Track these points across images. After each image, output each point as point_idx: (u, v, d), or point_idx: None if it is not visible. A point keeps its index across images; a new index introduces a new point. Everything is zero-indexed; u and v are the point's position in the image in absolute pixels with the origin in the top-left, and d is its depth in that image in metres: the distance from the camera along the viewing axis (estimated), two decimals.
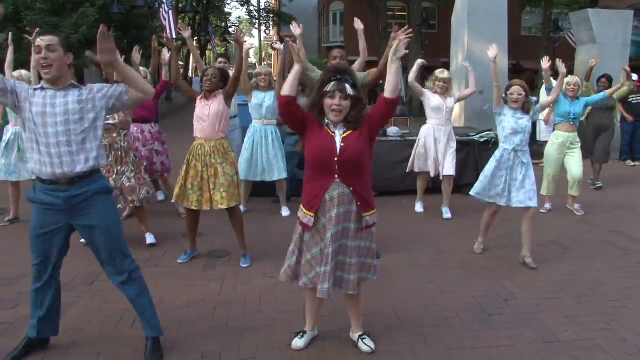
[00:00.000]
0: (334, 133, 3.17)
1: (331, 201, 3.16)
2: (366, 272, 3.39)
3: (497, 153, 5.07)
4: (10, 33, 6.29)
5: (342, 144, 3.13)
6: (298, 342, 3.54)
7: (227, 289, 4.50)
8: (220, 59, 7.31)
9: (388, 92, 3.18)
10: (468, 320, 3.92)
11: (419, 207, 6.95)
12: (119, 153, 5.28)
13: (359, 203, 3.20)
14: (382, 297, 4.30)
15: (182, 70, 30.91)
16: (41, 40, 3.07)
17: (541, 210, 6.79)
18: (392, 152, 7.59)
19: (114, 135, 5.25)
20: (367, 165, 3.26)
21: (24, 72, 6.22)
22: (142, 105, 6.38)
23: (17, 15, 13.36)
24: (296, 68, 3.19)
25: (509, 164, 4.99)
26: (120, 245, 3.36)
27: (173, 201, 5.10)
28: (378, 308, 4.10)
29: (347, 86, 3.11)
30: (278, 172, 6.55)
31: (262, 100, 6.53)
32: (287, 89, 3.13)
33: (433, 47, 26.06)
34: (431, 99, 6.63)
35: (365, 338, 3.53)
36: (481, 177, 5.11)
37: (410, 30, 3.48)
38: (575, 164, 6.79)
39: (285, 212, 6.74)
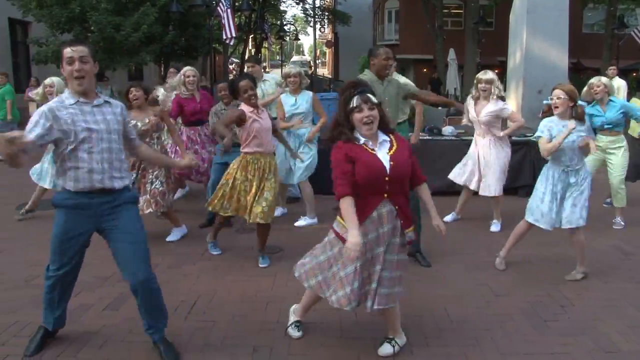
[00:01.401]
0: (374, 150, 3.15)
1: (379, 219, 3.16)
2: (398, 284, 3.34)
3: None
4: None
5: (392, 162, 3.13)
6: (295, 332, 3.66)
7: (279, 284, 4.56)
8: (248, 64, 7.14)
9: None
10: (522, 325, 3.85)
11: (448, 217, 6.51)
12: None
13: (401, 221, 3.21)
14: (434, 299, 4.26)
15: (237, 69, 31.37)
16: (72, 51, 3.04)
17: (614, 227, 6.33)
18: (447, 152, 7.48)
19: (147, 139, 5.39)
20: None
21: (55, 79, 6.32)
22: (195, 110, 6.50)
23: (83, 15, 13.85)
24: None
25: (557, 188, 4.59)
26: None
27: (209, 209, 5.05)
28: (430, 309, 4.07)
29: (371, 96, 3.14)
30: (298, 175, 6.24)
31: (295, 106, 6.14)
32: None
33: (490, 45, 25.58)
34: (469, 111, 6.11)
35: (391, 341, 3.49)
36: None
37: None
38: (611, 169, 6.16)
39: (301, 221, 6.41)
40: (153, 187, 5.39)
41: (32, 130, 2.96)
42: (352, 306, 3.21)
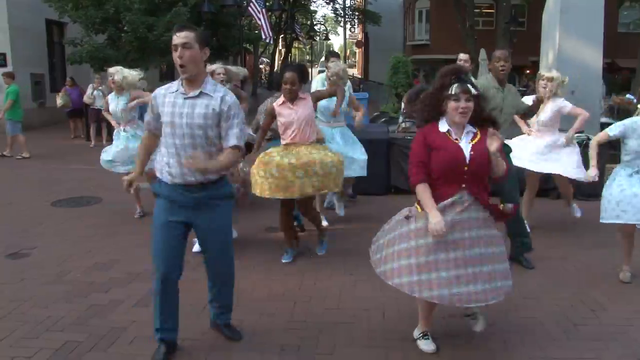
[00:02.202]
0: (457, 140, 3.15)
1: (453, 206, 3.14)
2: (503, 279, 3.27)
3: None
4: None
5: (472, 153, 3.12)
6: (429, 346, 3.47)
7: (307, 284, 4.58)
8: (331, 58, 7.11)
9: (495, 174, 3.23)
10: (552, 329, 3.79)
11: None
12: None
13: (488, 211, 3.22)
14: None
15: (267, 69, 31.54)
16: (177, 37, 3.04)
17: None
18: None
19: None
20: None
21: (118, 69, 6.54)
22: None
23: (117, 15, 14.09)
24: None
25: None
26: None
27: (263, 195, 4.87)
28: (458, 311, 4.03)
29: (470, 87, 3.11)
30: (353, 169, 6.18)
31: (329, 101, 6.05)
32: None
33: (522, 45, 25.21)
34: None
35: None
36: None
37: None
38: None
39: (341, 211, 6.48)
40: None
41: None
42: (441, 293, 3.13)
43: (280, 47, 40.71)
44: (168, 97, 3.18)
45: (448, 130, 3.17)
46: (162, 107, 3.18)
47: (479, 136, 3.18)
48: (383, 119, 12.15)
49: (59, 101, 13.65)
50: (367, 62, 41.22)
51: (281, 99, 4.91)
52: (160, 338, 3.36)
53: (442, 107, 3.16)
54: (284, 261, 5.06)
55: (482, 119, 3.20)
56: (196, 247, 5.67)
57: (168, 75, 20.84)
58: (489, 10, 30.82)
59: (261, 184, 4.77)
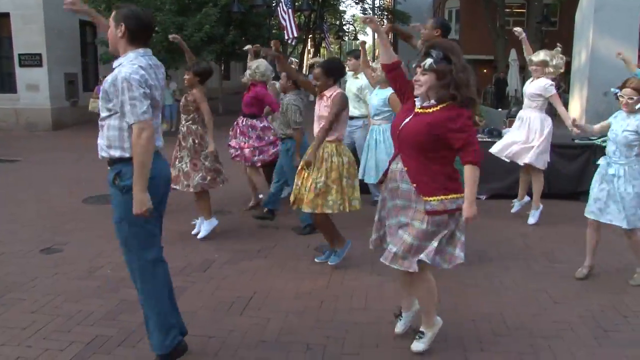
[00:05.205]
0: (414, 106, 3.23)
1: (392, 173, 3.33)
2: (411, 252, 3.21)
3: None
4: None
5: (408, 120, 3.17)
6: (398, 327, 3.67)
7: (335, 283, 4.58)
8: (348, 57, 7.29)
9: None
10: (582, 335, 3.73)
11: (516, 208, 6.60)
12: (180, 137, 5.62)
13: (415, 184, 3.16)
14: (490, 304, 4.19)
15: (297, 68, 31.60)
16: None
17: None
18: None
19: (182, 118, 5.66)
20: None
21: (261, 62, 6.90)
22: (249, 103, 6.58)
23: None
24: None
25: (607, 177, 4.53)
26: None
27: (308, 210, 4.79)
28: (486, 314, 4.00)
29: (428, 60, 3.09)
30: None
31: (374, 98, 6.27)
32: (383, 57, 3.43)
33: (553, 45, 24.56)
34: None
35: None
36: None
37: None
38: None
39: None
40: (179, 167, 5.56)
41: None
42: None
43: (309, 47, 40.77)
44: None
45: (416, 98, 3.22)
46: None
47: (433, 109, 3.12)
48: None
49: (92, 105, 13.84)
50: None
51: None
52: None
53: None
54: (331, 263, 4.97)
55: (450, 94, 3.08)
56: (201, 233, 5.72)
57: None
58: (519, 10, 30.35)
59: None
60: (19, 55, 15.21)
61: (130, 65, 2.88)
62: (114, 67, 2.99)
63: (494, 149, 6.41)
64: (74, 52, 16.69)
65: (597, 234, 4.71)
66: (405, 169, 3.17)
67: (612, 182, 4.48)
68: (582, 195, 7.11)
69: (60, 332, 3.67)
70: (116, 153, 2.96)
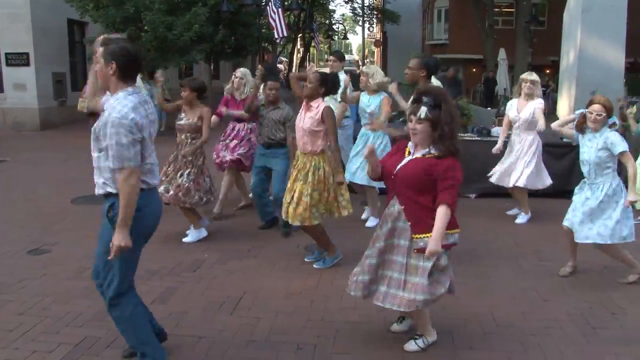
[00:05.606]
0: (409, 153, 3.33)
1: (389, 214, 3.41)
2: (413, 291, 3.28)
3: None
4: None
5: (403, 165, 3.28)
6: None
7: (325, 283, 4.58)
8: (331, 57, 7.19)
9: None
10: (570, 332, 3.75)
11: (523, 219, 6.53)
12: (183, 153, 5.46)
13: (410, 223, 3.30)
14: (480, 302, 4.21)
15: (286, 68, 31.58)
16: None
17: None
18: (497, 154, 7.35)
19: (182, 137, 5.51)
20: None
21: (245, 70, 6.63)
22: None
23: (138, 15, 14.21)
24: None
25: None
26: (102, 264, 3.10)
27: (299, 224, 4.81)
28: (476, 313, 4.02)
29: (423, 109, 3.16)
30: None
31: (365, 104, 6.04)
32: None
33: (541, 45, 24.96)
34: (508, 111, 6.47)
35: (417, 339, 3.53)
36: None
37: None
38: None
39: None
40: (180, 180, 5.41)
41: None
42: (355, 293, 3.46)
43: (299, 47, 40.75)
44: None
45: (410, 145, 3.31)
46: None
47: (432, 156, 3.21)
48: (401, 119, 12.09)
49: (80, 105, 13.71)
50: (386, 61, 41.10)
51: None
52: None
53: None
54: (307, 259, 5.05)
55: (443, 145, 3.17)
56: (188, 238, 5.65)
57: (188, 75, 20.99)
58: (508, 10, 30.50)
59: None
60: (6, 54, 15.05)
61: (120, 107, 2.87)
62: (104, 107, 2.99)
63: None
64: (62, 51, 16.56)
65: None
66: (402, 207, 3.29)
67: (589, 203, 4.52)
68: (570, 193, 7.17)
69: (48, 333, 3.65)
70: (112, 190, 3.00)
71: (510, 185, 6.30)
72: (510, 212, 6.70)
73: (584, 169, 4.58)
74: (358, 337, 3.64)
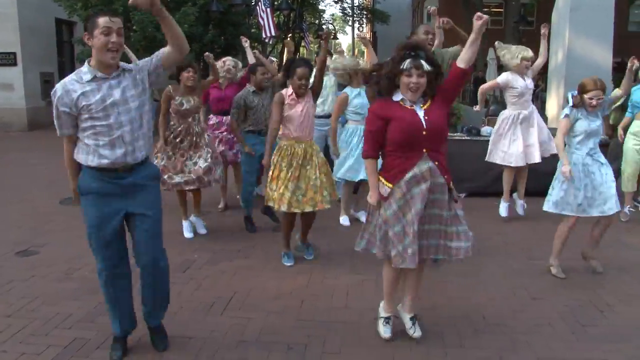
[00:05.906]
0: (412, 106, 3.22)
1: (421, 175, 3.20)
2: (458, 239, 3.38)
3: (572, 159, 4.58)
4: None
5: (426, 117, 3.18)
6: (387, 333, 3.60)
7: (315, 282, 4.58)
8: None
9: (462, 62, 3.20)
10: (560, 330, 3.77)
11: (503, 210, 6.47)
12: (194, 139, 5.50)
13: (445, 176, 3.26)
14: (470, 301, 4.22)
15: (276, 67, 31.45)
16: (112, 22, 2.97)
17: (621, 219, 6.32)
18: (485, 152, 7.37)
19: (189, 120, 5.51)
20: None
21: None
22: (222, 98, 6.51)
23: (126, 14, 14.14)
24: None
25: (587, 169, 4.53)
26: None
27: (273, 206, 4.83)
28: (466, 311, 4.03)
29: (423, 62, 3.13)
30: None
31: (350, 98, 5.98)
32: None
33: (530, 44, 24.80)
34: (519, 82, 6.46)
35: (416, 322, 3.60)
36: (556, 188, 4.67)
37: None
38: None
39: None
40: (196, 166, 5.44)
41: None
42: (406, 264, 3.25)
43: None
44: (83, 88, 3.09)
45: (402, 99, 3.23)
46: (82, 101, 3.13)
47: (429, 102, 3.24)
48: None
49: None
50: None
51: (290, 90, 4.73)
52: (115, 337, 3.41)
53: (396, 82, 3.22)
54: (287, 264, 4.99)
55: (431, 89, 3.23)
56: (202, 230, 5.81)
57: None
58: (497, 10, 30.66)
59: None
60: None
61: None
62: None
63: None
64: (50, 51, 16.47)
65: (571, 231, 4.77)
66: (436, 163, 3.23)
67: (594, 173, 4.53)
68: None
69: (37, 335, 3.62)
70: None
71: (538, 160, 6.26)
72: (520, 211, 6.56)
73: (589, 143, 4.55)
74: (349, 337, 3.64)
